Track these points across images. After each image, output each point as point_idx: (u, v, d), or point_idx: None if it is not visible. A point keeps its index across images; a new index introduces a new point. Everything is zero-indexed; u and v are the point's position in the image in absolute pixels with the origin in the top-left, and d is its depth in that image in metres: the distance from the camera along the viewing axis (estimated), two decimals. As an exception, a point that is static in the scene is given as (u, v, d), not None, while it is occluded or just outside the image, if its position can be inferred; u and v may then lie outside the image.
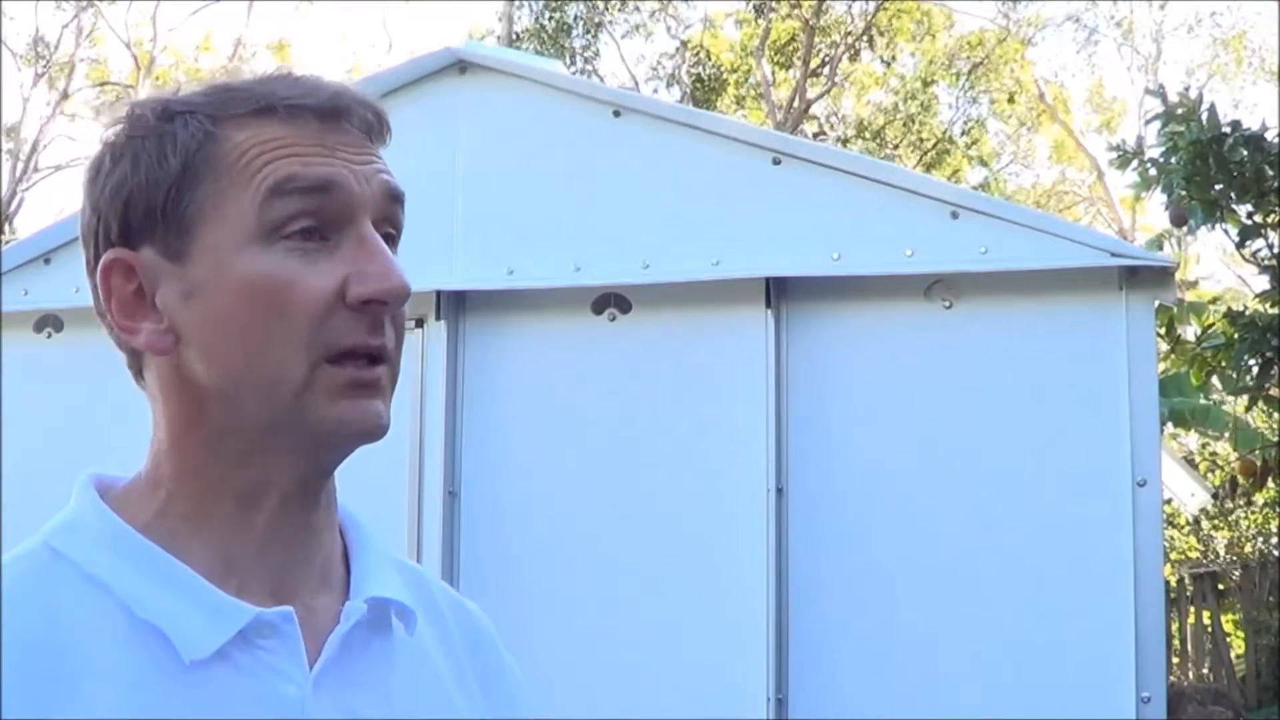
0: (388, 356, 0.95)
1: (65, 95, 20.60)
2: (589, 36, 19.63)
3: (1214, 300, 8.90)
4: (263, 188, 0.92)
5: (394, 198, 0.97)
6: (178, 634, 0.90)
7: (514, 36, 18.05)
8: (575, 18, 19.24)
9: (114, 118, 0.97)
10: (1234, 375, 5.40)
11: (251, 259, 0.91)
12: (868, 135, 20.05)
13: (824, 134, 20.04)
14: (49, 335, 4.05)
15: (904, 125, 20.27)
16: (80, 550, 0.93)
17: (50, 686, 0.86)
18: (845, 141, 19.79)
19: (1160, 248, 8.42)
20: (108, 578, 0.91)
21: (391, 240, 0.98)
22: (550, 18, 18.96)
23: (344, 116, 0.96)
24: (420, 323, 3.81)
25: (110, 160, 0.96)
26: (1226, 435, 8.93)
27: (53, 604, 0.89)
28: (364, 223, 0.94)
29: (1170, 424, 8.70)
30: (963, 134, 20.81)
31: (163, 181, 0.93)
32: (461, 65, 3.96)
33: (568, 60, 18.60)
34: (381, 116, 0.99)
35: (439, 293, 3.78)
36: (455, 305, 3.82)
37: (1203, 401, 8.08)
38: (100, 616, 0.89)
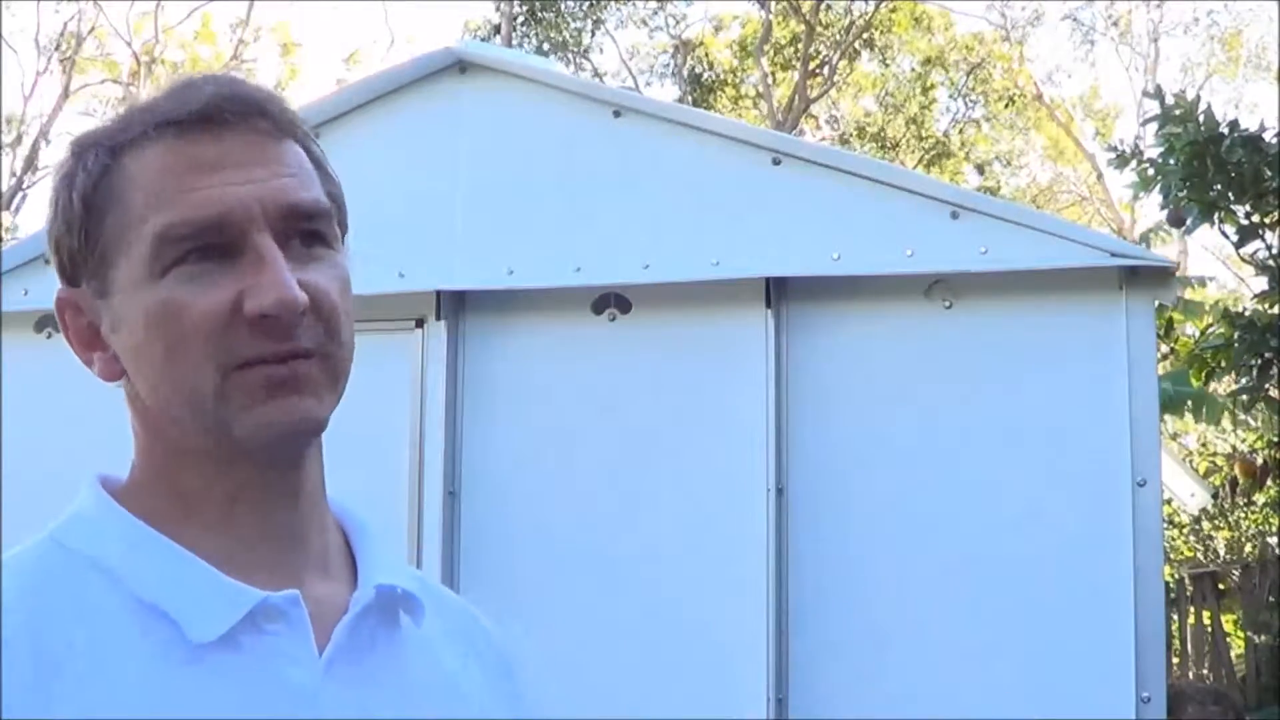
0: (308, 354, 0.93)
1: (67, 93, 20.60)
2: (583, 27, 19.61)
3: (1216, 303, 8.91)
4: (150, 236, 0.93)
5: (300, 214, 0.95)
6: (184, 616, 0.90)
7: (515, 25, 18.03)
8: (558, 24, 19.19)
9: (59, 161, 1.01)
10: (1234, 375, 5.40)
11: (150, 291, 0.93)
12: (867, 136, 20.06)
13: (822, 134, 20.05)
14: (49, 335, 4.05)
15: (905, 124, 20.29)
16: (86, 540, 0.94)
17: (56, 670, 0.86)
18: (845, 141, 19.81)
19: (1147, 244, 8.42)
20: (114, 564, 0.92)
21: (315, 236, 0.96)
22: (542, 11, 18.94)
23: (224, 122, 0.95)
24: (420, 323, 3.82)
25: (50, 199, 1.00)
26: (1228, 428, 8.93)
27: (59, 590, 0.90)
28: (258, 237, 0.93)
29: (1168, 417, 8.68)
30: (960, 133, 20.83)
31: (73, 225, 0.97)
32: (461, 65, 3.96)
33: (567, 52, 18.61)
34: (274, 113, 0.97)
35: (439, 293, 3.78)
36: (455, 305, 3.82)
37: (1200, 386, 8.08)
38: (107, 601, 0.90)
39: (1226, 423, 8.72)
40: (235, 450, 0.94)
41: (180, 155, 0.94)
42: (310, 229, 0.96)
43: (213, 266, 0.92)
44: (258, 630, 0.92)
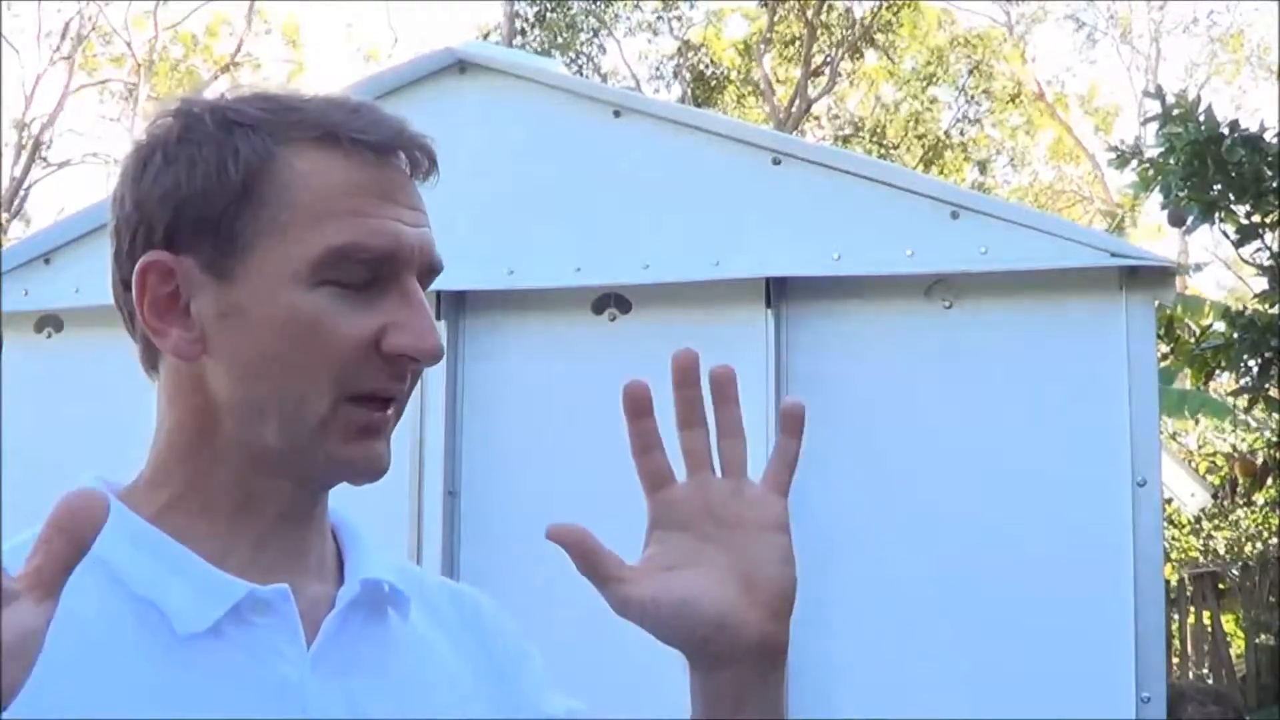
0: (400, 400, 0.98)
1: (67, 90, 20.61)
2: (590, 34, 19.66)
3: (1211, 306, 8.90)
4: (324, 245, 0.92)
5: (433, 270, 0.99)
6: (172, 607, 0.91)
7: (519, 30, 18.07)
8: (573, 24, 19.25)
9: (163, 111, 0.97)
10: (1234, 375, 5.41)
11: (298, 296, 0.92)
12: (867, 135, 20.07)
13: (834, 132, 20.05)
14: (49, 335, 4.05)
15: (906, 123, 20.31)
16: None
17: (45, 662, 0.86)
18: (846, 140, 19.83)
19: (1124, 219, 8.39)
20: (107, 556, 0.92)
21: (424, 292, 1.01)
22: (553, 10, 18.99)
23: (400, 157, 0.97)
24: (420, 323, 3.81)
25: (162, 158, 0.95)
26: (1227, 426, 8.93)
27: None
28: (409, 278, 0.96)
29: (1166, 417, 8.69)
30: (960, 134, 20.85)
31: (220, 196, 0.93)
32: (461, 65, 3.96)
33: (572, 55, 18.64)
34: (433, 159, 0.99)
35: (439, 293, 3.77)
36: (455, 305, 3.82)
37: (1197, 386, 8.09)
38: (98, 593, 0.90)
39: (1205, 420, 8.71)
40: (295, 469, 0.95)
41: (359, 175, 0.94)
42: (426, 282, 0.99)
43: (361, 294, 0.93)
44: (246, 623, 0.92)
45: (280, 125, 0.95)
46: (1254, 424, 8.21)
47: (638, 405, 1.05)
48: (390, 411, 0.97)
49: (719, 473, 1.03)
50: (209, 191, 0.93)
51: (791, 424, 1.04)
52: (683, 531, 0.99)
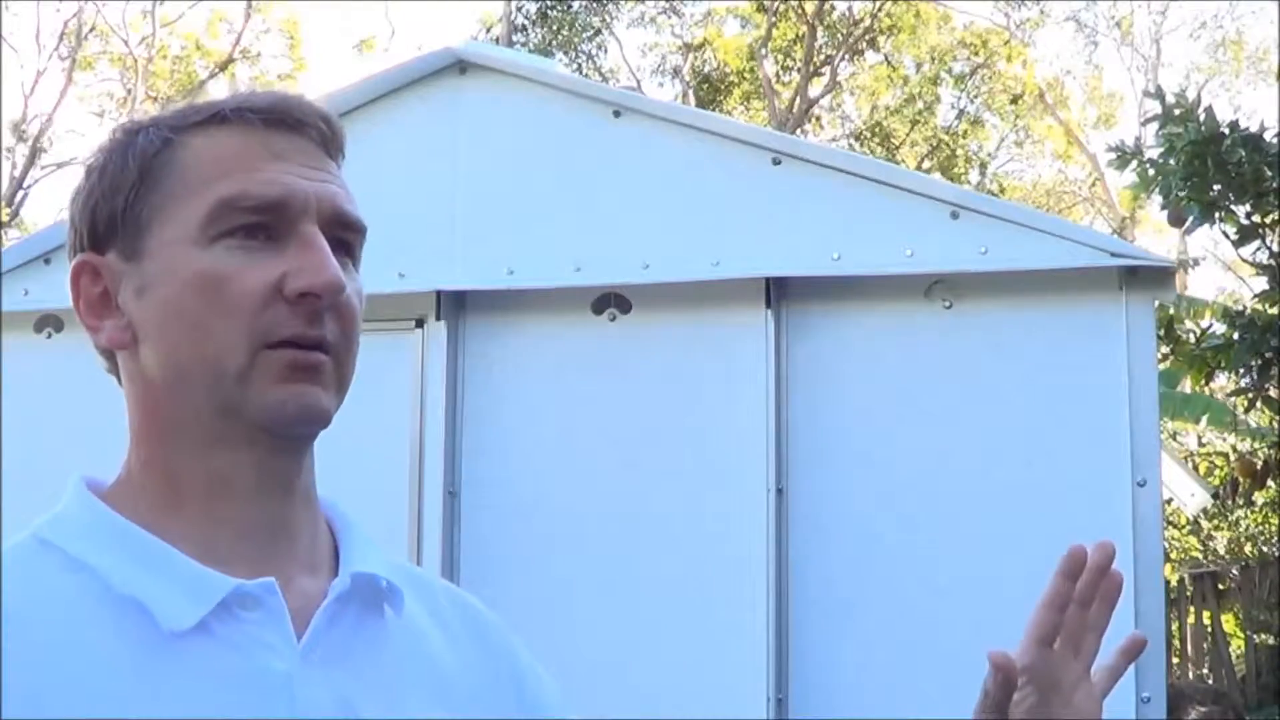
0: (329, 348, 0.97)
1: (66, 91, 20.61)
2: (592, 31, 19.67)
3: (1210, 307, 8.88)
4: (212, 199, 0.96)
5: (343, 223, 1.00)
6: (158, 606, 0.91)
7: (521, 26, 18.07)
8: (574, 21, 19.26)
9: (96, 147, 1.04)
10: (1234, 375, 5.41)
11: (196, 255, 0.96)
12: (870, 135, 20.08)
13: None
14: (49, 335, 4.05)
15: (910, 124, 20.32)
16: (65, 537, 0.95)
17: (31, 664, 0.86)
18: (860, 137, 19.84)
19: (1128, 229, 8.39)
20: (91, 559, 0.93)
21: (345, 249, 1.00)
22: (554, 8, 19.01)
23: (294, 123, 1.00)
24: (420, 323, 3.82)
25: (84, 179, 1.02)
26: (1225, 426, 8.93)
27: (36, 587, 0.91)
28: (307, 226, 0.97)
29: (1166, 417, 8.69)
30: (963, 134, 20.86)
31: (122, 188, 0.99)
32: (461, 65, 3.96)
33: (573, 54, 18.65)
34: (335, 129, 1.03)
35: (439, 293, 3.78)
36: (455, 305, 3.82)
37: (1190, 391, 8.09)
38: (83, 596, 0.91)
39: (1206, 421, 8.71)
40: (239, 431, 0.95)
41: (249, 140, 0.98)
42: (346, 240, 1.00)
43: (259, 245, 0.96)
44: (233, 618, 0.92)
45: (179, 117, 1.01)
46: (1254, 425, 8.21)
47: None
48: (322, 356, 0.96)
49: (1074, 653, 1.21)
50: (114, 187, 0.99)
51: (1129, 655, 1.27)
52: (1036, 686, 1.17)
